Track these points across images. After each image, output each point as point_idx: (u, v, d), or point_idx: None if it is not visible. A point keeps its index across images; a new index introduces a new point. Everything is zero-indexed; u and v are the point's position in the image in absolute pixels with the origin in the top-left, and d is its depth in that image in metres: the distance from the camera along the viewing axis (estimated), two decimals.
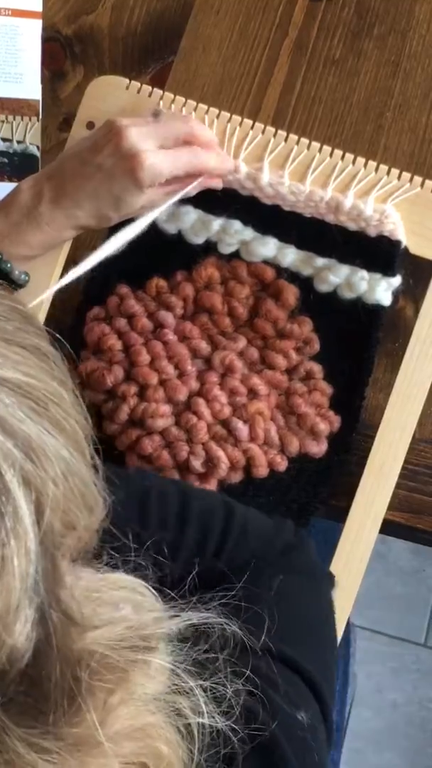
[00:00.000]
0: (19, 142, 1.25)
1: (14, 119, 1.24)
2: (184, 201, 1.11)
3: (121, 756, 0.68)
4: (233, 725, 0.76)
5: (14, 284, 1.06)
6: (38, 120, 1.24)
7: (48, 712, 0.64)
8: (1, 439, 0.60)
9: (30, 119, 1.24)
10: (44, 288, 1.12)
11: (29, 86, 1.24)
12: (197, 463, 1.10)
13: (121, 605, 0.70)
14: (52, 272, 1.13)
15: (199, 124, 1.07)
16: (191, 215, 1.12)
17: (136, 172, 1.01)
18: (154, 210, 1.06)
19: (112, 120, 1.05)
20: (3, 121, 1.24)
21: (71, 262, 1.15)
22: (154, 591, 0.73)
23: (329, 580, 1.01)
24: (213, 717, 0.74)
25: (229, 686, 0.77)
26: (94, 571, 0.71)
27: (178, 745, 0.71)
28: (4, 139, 1.24)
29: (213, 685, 0.75)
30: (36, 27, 1.24)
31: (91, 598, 0.68)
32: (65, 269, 1.15)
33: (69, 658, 0.64)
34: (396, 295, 1.11)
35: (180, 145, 1.05)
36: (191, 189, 1.07)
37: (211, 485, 1.11)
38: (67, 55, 1.25)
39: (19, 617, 0.59)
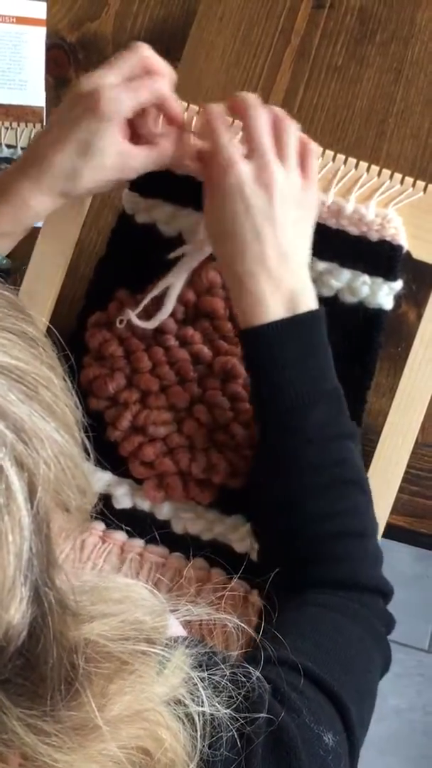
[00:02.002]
0: (23, 148, 1.25)
1: (18, 126, 1.25)
2: (185, 203, 1.11)
3: (120, 740, 0.68)
4: (246, 723, 0.76)
5: None
6: (42, 126, 1.25)
7: (45, 695, 0.64)
8: None
9: (34, 126, 1.25)
10: (44, 298, 1.13)
11: (33, 93, 1.25)
12: (198, 469, 1.10)
13: (118, 600, 0.71)
14: (56, 284, 1.13)
15: (150, 51, 1.02)
16: (192, 218, 1.12)
17: (97, 106, 0.98)
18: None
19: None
20: (7, 128, 1.25)
21: (73, 269, 1.16)
22: (152, 590, 0.74)
23: (384, 656, 0.98)
24: (215, 706, 0.74)
25: (249, 684, 0.78)
26: (92, 571, 0.71)
27: (180, 731, 0.72)
28: (9, 146, 1.25)
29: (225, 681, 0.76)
30: (40, 34, 1.25)
31: (88, 592, 0.69)
32: (68, 277, 1.15)
33: (65, 644, 0.65)
34: (398, 299, 1.11)
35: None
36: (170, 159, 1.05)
37: (212, 491, 1.11)
38: (71, 61, 1.25)
39: (14, 594, 0.60)
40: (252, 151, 0.99)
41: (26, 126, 1.25)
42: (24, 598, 0.61)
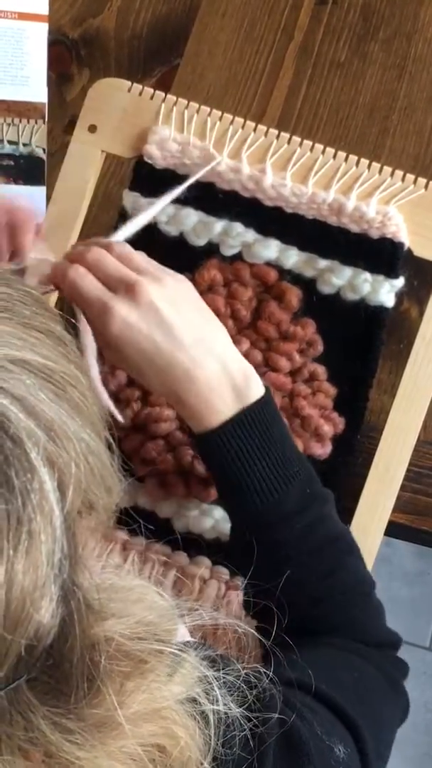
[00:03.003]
0: (25, 144, 1.25)
1: (20, 122, 1.25)
2: (186, 203, 1.11)
3: (139, 737, 0.69)
4: (258, 723, 0.77)
5: None
6: (44, 123, 1.25)
7: (69, 693, 0.65)
8: (24, 419, 0.61)
9: (36, 122, 1.25)
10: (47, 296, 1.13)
11: (35, 89, 1.24)
12: (201, 467, 1.10)
13: (134, 601, 0.71)
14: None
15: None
16: (193, 217, 1.12)
17: None
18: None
19: None
20: (9, 124, 1.25)
21: None
22: (162, 593, 0.74)
23: (402, 700, 0.98)
24: (228, 705, 0.75)
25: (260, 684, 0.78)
26: (109, 571, 0.72)
27: (195, 730, 0.72)
28: (11, 142, 1.25)
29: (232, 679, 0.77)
30: (42, 30, 1.24)
31: (107, 589, 0.69)
32: None
33: (86, 642, 0.65)
34: (400, 296, 1.11)
35: None
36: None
37: (214, 489, 1.11)
38: (73, 57, 1.25)
39: (45, 593, 0.60)
40: (112, 284, 0.95)
41: (28, 122, 1.25)
42: (54, 598, 0.61)
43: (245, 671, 0.78)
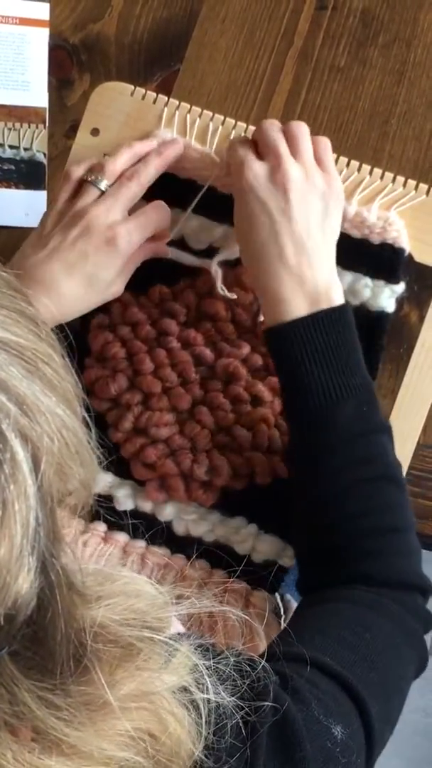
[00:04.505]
0: (26, 149, 1.25)
1: (21, 127, 1.25)
2: (187, 208, 1.11)
3: (130, 719, 0.69)
4: (251, 711, 0.77)
5: None
6: (45, 127, 1.25)
7: (55, 670, 0.65)
8: None
9: (37, 127, 1.25)
10: None
11: (36, 94, 1.24)
12: (201, 471, 1.10)
13: (122, 590, 0.71)
14: None
15: (135, 153, 1.10)
16: (193, 221, 1.12)
17: (114, 245, 1.04)
18: None
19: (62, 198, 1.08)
20: (10, 129, 1.25)
21: None
22: (155, 584, 0.74)
23: (419, 654, 0.97)
24: (220, 694, 0.75)
25: (251, 672, 0.78)
26: (96, 565, 0.72)
27: (185, 718, 0.72)
28: (11, 147, 1.25)
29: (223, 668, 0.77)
30: (43, 35, 1.24)
31: (93, 573, 0.69)
32: None
33: (72, 623, 0.66)
34: (400, 301, 1.11)
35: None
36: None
37: (215, 493, 1.12)
38: (73, 62, 1.25)
39: (22, 563, 0.61)
40: (264, 153, 1.01)
41: (29, 127, 1.25)
42: (32, 568, 0.61)
43: (238, 659, 0.79)
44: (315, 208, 1.01)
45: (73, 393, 0.69)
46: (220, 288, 1.11)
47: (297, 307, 0.99)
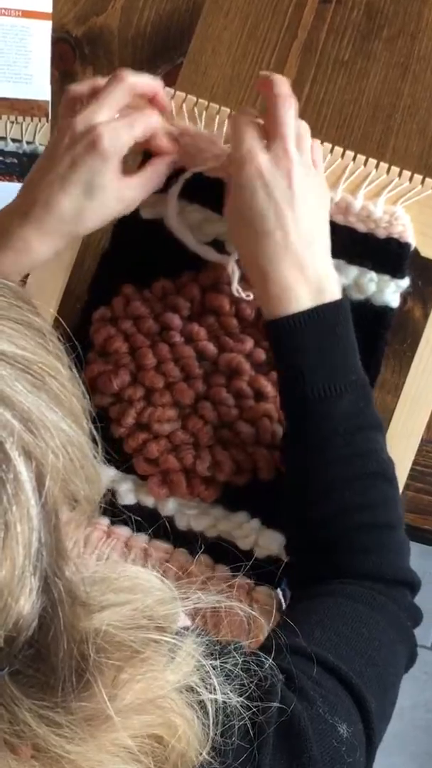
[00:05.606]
0: (28, 142, 1.25)
1: (24, 120, 1.24)
2: (191, 200, 1.11)
3: (132, 729, 0.69)
4: (258, 711, 0.77)
5: None
6: (47, 121, 1.25)
7: (56, 686, 0.65)
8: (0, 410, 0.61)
9: (39, 120, 1.25)
10: (52, 291, 1.13)
11: (39, 87, 1.24)
12: (203, 467, 1.10)
13: (129, 588, 0.71)
14: (61, 278, 1.13)
15: (134, 77, 1.04)
16: (198, 214, 1.12)
17: (98, 146, 0.99)
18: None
19: (63, 115, 1.05)
20: (13, 122, 1.24)
21: (79, 264, 1.16)
22: (162, 578, 0.74)
23: (409, 649, 0.98)
24: (227, 694, 0.75)
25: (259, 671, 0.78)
26: (101, 560, 0.71)
27: (193, 719, 0.72)
28: (14, 140, 1.25)
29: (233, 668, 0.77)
30: (46, 28, 1.24)
31: (98, 582, 0.69)
32: (73, 272, 1.15)
33: (75, 636, 0.65)
34: (404, 296, 1.11)
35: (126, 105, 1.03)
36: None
37: (217, 488, 1.11)
38: (76, 56, 1.25)
39: (24, 584, 0.60)
40: (274, 137, 1.00)
41: (31, 120, 1.24)
42: (33, 588, 0.61)
43: (245, 659, 0.78)
44: (311, 200, 1.00)
45: (80, 407, 0.69)
46: (236, 289, 1.10)
47: (301, 296, 0.99)
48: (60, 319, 1.03)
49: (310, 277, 0.99)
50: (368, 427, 1.00)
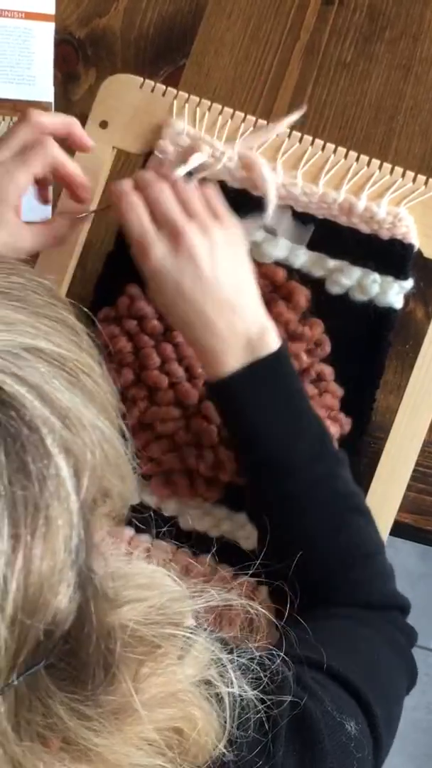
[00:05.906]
0: None
1: None
2: None
3: (156, 722, 0.69)
4: (272, 705, 0.78)
5: None
6: None
7: (87, 680, 0.65)
8: (40, 406, 0.61)
9: None
10: (60, 285, 1.13)
11: (42, 88, 1.24)
12: (206, 467, 1.10)
13: (146, 586, 0.71)
14: (62, 279, 1.13)
15: (40, 116, 1.02)
16: None
17: None
18: None
19: None
20: None
21: (82, 266, 1.16)
22: (175, 577, 0.74)
23: (408, 669, 0.99)
24: (243, 687, 0.75)
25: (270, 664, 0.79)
26: (120, 559, 0.72)
27: (211, 711, 0.73)
28: None
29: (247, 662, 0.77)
30: (49, 30, 1.24)
31: (121, 578, 0.69)
32: (76, 273, 1.15)
33: (102, 630, 0.66)
34: (406, 297, 1.11)
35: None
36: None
37: (220, 488, 1.11)
38: (79, 57, 1.25)
39: (63, 579, 0.61)
40: (161, 224, 0.99)
41: None
42: (71, 583, 0.61)
43: (258, 653, 0.79)
44: (224, 263, 0.99)
45: (112, 404, 0.69)
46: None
47: (234, 358, 0.98)
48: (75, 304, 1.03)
49: (241, 339, 0.98)
50: (331, 467, 1.00)
